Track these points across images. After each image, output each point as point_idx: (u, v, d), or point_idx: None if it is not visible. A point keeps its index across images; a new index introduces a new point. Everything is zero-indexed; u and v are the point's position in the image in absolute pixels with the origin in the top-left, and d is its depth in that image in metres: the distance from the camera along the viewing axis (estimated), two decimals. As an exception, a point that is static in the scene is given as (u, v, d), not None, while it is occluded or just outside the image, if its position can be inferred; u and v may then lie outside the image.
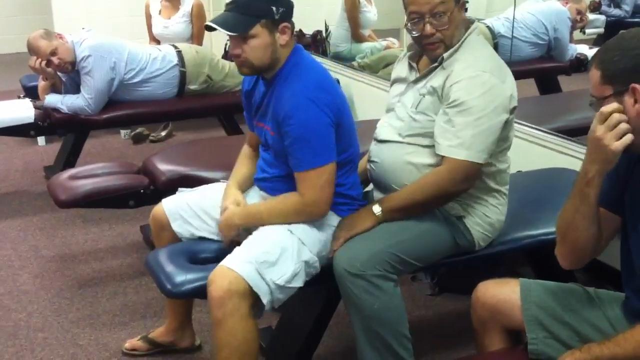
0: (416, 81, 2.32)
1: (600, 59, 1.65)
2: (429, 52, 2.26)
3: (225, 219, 2.31)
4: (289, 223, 2.23)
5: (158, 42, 5.09)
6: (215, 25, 2.16)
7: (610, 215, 1.85)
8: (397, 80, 2.44)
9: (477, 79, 2.15)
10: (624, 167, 1.77)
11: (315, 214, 2.24)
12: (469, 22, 2.27)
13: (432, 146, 2.23)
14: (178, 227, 2.44)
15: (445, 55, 2.22)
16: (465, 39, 2.23)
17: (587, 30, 4.16)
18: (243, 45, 2.19)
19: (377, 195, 2.41)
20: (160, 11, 5.08)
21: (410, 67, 2.36)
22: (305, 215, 2.23)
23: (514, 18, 3.74)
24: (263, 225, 2.25)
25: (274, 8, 2.19)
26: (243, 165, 2.52)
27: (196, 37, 5.05)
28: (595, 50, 4.00)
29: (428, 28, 2.18)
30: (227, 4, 2.23)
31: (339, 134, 2.25)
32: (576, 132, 3.09)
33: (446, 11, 2.17)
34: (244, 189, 2.45)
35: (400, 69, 2.43)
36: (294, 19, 2.27)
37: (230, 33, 2.17)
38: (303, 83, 2.21)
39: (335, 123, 2.22)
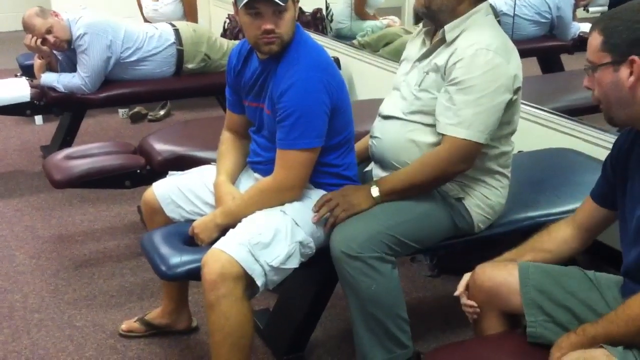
0: (421, 59, 2.29)
1: (605, 25, 1.62)
2: (415, 3, 2.26)
3: (203, 222, 2.24)
4: (270, 207, 2.19)
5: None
6: None
7: (602, 210, 1.87)
8: (406, 59, 2.40)
9: (481, 57, 2.11)
10: (621, 162, 1.76)
11: (288, 197, 2.21)
12: (477, 1, 2.22)
13: (434, 125, 2.20)
14: (170, 211, 2.41)
15: (447, 28, 2.19)
16: (470, 16, 2.19)
17: (591, 9, 4.11)
18: (278, 20, 2.12)
19: (376, 172, 2.38)
20: None
21: (423, 44, 2.32)
22: (280, 198, 2.20)
23: (516, -4, 3.69)
24: (245, 218, 2.19)
25: None
26: (228, 156, 2.43)
27: (189, 15, 5.01)
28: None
29: None
30: None
31: (336, 116, 2.21)
32: (578, 112, 3.05)
33: None
34: (234, 179, 2.41)
35: (412, 47, 2.39)
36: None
37: (281, 3, 2.08)
38: (305, 62, 2.17)
39: (332, 106, 2.18)
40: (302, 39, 2.23)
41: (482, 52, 2.11)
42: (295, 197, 2.22)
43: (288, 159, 2.18)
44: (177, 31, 4.23)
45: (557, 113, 3.06)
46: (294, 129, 2.14)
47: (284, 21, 2.13)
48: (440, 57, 2.20)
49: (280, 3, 2.09)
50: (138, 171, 3.13)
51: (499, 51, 2.13)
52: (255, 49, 2.26)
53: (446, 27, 2.20)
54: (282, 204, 2.21)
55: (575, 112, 3.05)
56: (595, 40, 1.63)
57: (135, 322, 2.72)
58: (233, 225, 2.18)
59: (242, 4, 2.11)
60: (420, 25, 2.39)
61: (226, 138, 2.48)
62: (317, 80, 2.15)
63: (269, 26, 2.12)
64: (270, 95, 2.21)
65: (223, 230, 2.20)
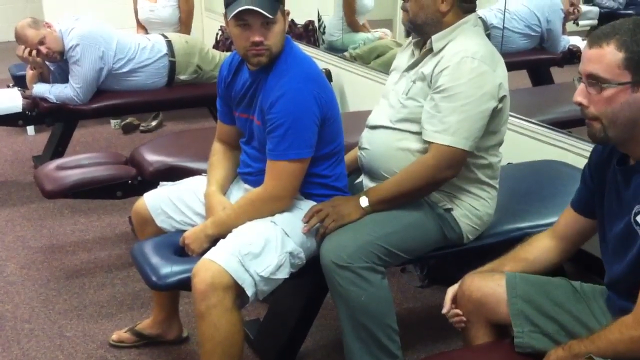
0: (409, 69, 2.32)
1: (626, 40, 1.55)
2: (402, 17, 2.31)
3: (194, 232, 2.25)
4: (260, 217, 2.21)
5: (145, 30, 5.05)
6: (253, 7, 2.08)
7: (584, 220, 1.88)
8: (395, 69, 2.44)
9: (466, 65, 2.14)
10: (599, 173, 1.77)
11: (278, 207, 2.23)
12: (465, 12, 2.25)
13: (421, 132, 2.22)
14: (161, 222, 2.42)
15: (434, 38, 2.22)
16: (458, 27, 2.22)
17: (580, 22, 4.14)
18: (267, 32, 2.14)
19: (366, 183, 2.40)
20: None
21: (412, 55, 2.35)
22: (270, 208, 2.22)
23: (505, 9, 3.71)
24: (236, 228, 2.20)
25: None
26: (219, 167, 2.44)
27: (184, 23, 5.02)
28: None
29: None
30: None
31: (326, 127, 2.23)
32: (567, 124, 3.07)
33: None
34: (225, 189, 2.42)
35: (401, 58, 2.42)
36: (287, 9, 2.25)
37: (269, 15, 2.10)
38: (294, 73, 2.19)
39: (322, 117, 2.20)
40: (292, 51, 2.25)
41: (467, 60, 2.14)
42: (285, 207, 2.23)
43: (278, 169, 2.19)
44: (169, 42, 4.24)
45: (547, 125, 3.09)
46: (284, 140, 2.15)
47: (272, 33, 2.15)
48: (427, 66, 2.23)
49: (268, 15, 2.10)
50: (129, 182, 3.13)
51: (484, 59, 2.16)
52: (244, 61, 2.28)
53: (433, 37, 2.23)
54: (273, 214, 2.22)
55: (564, 125, 3.07)
56: (614, 55, 1.55)
57: (125, 332, 2.72)
58: (223, 236, 2.19)
59: (231, 16, 2.13)
60: (411, 37, 2.42)
61: (217, 149, 2.50)
62: (306, 91, 2.16)
63: (257, 38, 2.14)
64: (260, 107, 2.23)
65: (214, 241, 2.21)
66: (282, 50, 2.22)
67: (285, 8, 2.22)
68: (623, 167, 1.69)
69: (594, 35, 1.60)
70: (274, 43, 2.17)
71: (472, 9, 2.28)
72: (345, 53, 4.77)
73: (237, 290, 2.08)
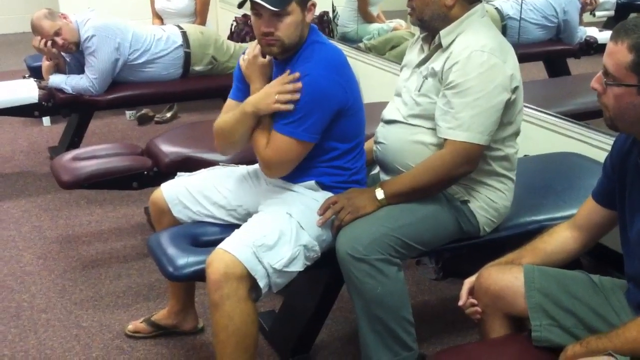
0: (419, 64, 2.31)
1: (636, 42, 1.54)
2: (409, 16, 2.31)
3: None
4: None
5: (161, 19, 5.06)
6: (258, 0, 2.10)
7: (605, 211, 1.86)
8: (406, 65, 2.43)
9: (475, 59, 2.13)
10: (621, 165, 1.75)
11: (266, 174, 2.29)
12: (470, 3, 2.23)
13: (435, 128, 2.21)
14: (178, 212, 2.42)
15: (442, 33, 2.21)
16: (465, 20, 2.21)
17: (597, 13, 4.10)
18: (277, 23, 2.14)
19: (383, 177, 2.40)
20: None
21: (421, 50, 2.33)
22: (261, 167, 2.27)
23: (522, 0, 3.69)
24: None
25: None
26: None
27: (199, 14, 5.02)
28: (605, 33, 3.96)
29: None
30: None
31: (347, 118, 2.22)
32: (584, 116, 3.05)
33: None
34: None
35: (411, 53, 2.41)
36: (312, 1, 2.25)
37: (272, 8, 2.11)
38: (317, 59, 2.19)
39: (341, 107, 2.19)
40: (317, 40, 2.25)
41: (476, 54, 2.13)
42: (274, 176, 2.29)
43: (275, 140, 2.19)
44: (184, 33, 4.24)
45: (563, 117, 3.07)
46: (289, 116, 2.16)
47: (283, 25, 2.15)
48: (437, 62, 2.22)
49: (270, 7, 2.11)
50: (145, 173, 3.14)
51: (494, 52, 2.14)
52: None
53: (441, 32, 2.22)
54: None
55: (581, 117, 3.05)
56: (624, 56, 1.55)
57: (141, 322, 2.74)
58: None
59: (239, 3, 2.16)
60: (419, 32, 2.41)
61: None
62: (325, 78, 2.16)
63: (264, 29, 2.16)
64: None
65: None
66: (300, 41, 2.21)
67: (312, 1, 2.22)
68: None
69: (615, 29, 1.60)
70: (285, 35, 2.16)
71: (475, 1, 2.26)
72: (360, 44, 4.76)
73: (251, 281, 2.08)
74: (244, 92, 2.38)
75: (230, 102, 2.45)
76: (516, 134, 2.31)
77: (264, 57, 2.27)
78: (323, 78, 2.16)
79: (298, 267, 2.15)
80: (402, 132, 2.31)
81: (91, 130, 4.53)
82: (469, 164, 2.17)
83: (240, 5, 2.23)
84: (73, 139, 4.30)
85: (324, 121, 2.18)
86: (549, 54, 4.13)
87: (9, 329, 2.79)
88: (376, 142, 2.42)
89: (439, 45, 2.24)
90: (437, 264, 3.09)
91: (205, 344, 2.70)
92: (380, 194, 2.21)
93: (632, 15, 4.02)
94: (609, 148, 2.63)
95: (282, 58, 2.25)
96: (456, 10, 2.22)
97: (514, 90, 2.19)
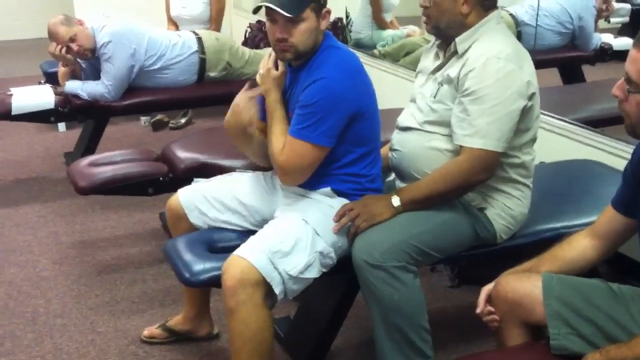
0: (435, 71, 2.32)
1: None
2: (425, 25, 2.31)
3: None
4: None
5: (176, 26, 5.07)
6: (272, 6, 2.11)
7: (623, 218, 1.85)
8: (421, 71, 2.43)
9: (491, 66, 2.12)
10: None
11: (284, 181, 2.29)
12: (486, 10, 2.24)
13: (451, 135, 2.21)
14: (194, 218, 2.43)
15: (458, 40, 2.22)
16: (481, 26, 2.21)
17: (612, 19, 4.09)
18: (292, 29, 2.16)
19: (399, 184, 2.39)
20: None
21: (436, 57, 2.33)
22: (279, 174, 2.27)
23: (538, 6, 3.68)
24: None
25: None
26: None
27: (214, 21, 5.03)
28: (621, 40, 3.94)
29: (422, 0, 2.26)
30: None
31: (362, 123, 2.22)
32: (600, 123, 3.04)
33: None
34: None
35: (426, 60, 2.41)
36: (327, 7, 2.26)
37: (287, 15, 2.12)
38: (332, 63, 2.20)
39: (355, 111, 2.19)
40: (332, 45, 2.26)
41: (492, 60, 2.13)
42: (291, 183, 2.28)
43: (291, 145, 2.19)
44: (199, 39, 4.26)
45: (579, 124, 3.06)
46: (304, 120, 2.16)
47: (298, 31, 2.16)
48: (452, 69, 2.22)
49: (285, 14, 2.12)
50: (161, 178, 3.15)
51: (510, 58, 2.14)
52: None
53: (457, 39, 2.22)
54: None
55: (596, 123, 3.04)
56: None
57: (157, 328, 2.74)
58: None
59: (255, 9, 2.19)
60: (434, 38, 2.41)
61: None
62: (340, 81, 2.16)
63: (278, 35, 2.17)
64: (296, 99, 2.23)
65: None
66: (314, 47, 2.22)
67: (326, 7, 2.22)
68: None
69: (638, 36, 1.59)
70: (299, 41, 2.17)
71: (494, 5, 2.26)
72: (374, 50, 4.76)
73: (267, 287, 2.08)
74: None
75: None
76: (533, 140, 2.30)
77: (276, 66, 2.28)
78: (338, 81, 2.17)
79: (314, 273, 2.15)
80: (417, 139, 2.31)
81: (106, 135, 4.55)
82: (486, 171, 2.17)
83: (255, 11, 2.24)
84: (89, 145, 4.32)
85: (339, 125, 2.18)
86: (564, 60, 4.12)
87: (25, 334, 2.80)
88: (391, 149, 2.42)
89: (455, 52, 2.24)
90: (453, 271, 3.08)
91: (220, 349, 2.70)
92: (396, 201, 2.21)
93: (648, 21, 4.00)
94: (625, 155, 2.65)
95: (297, 64, 2.26)
96: (472, 18, 2.22)
97: (531, 97, 2.18)
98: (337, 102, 2.16)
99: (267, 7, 2.14)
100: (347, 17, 5.13)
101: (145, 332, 2.75)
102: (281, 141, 2.22)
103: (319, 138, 2.17)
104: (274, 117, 2.25)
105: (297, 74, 2.26)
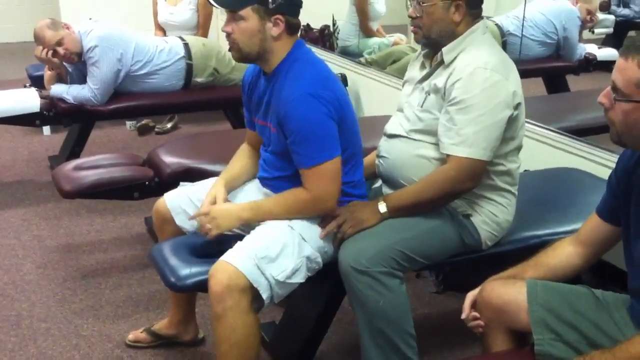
0: (422, 80, 2.33)
1: None
2: (414, 35, 2.34)
3: (226, 210, 2.27)
4: (298, 218, 2.21)
5: (163, 31, 5.07)
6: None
7: (607, 226, 1.88)
8: (408, 81, 2.45)
9: (478, 75, 2.14)
10: (625, 180, 1.77)
11: (324, 210, 2.22)
12: (474, 19, 2.26)
13: (437, 143, 2.23)
14: (181, 221, 2.43)
15: (444, 50, 2.24)
16: (467, 36, 2.23)
17: (596, 30, 4.14)
18: (233, 24, 2.18)
19: (386, 190, 2.41)
20: None
21: (423, 67, 2.35)
22: (314, 211, 2.22)
23: (524, 17, 3.72)
24: (271, 219, 2.23)
25: None
26: (237, 162, 2.50)
27: (202, 27, 5.03)
28: (605, 50, 3.98)
29: (410, 9, 2.29)
30: None
31: (342, 130, 2.22)
32: (583, 132, 3.07)
33: (425, 0, 2.22)
34: (233, 186, 2.44)
35: (413, 70, 2.43)
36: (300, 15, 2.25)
37: (218, 7, 2.18)
38: (303, 78, 2.19)
39: (337, 118, 2.19)
40: (301, 56, 2.25)
41: (479, 70, 2.15)
42: (333, 206, 2.22)
43: (317, 174, 2.17)
44: (186, 45, 4.26)
45: (563, 133, 3.09)
46: (312, 146, 2.15)
47: (238, 28, 2.18)
48: (439, 79, 2.24)
49: (216, 5, 2.17)
50: (147, 183, 3.15)
51: (496, 68, 2.16)
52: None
53: (444, 49, 2.24)
54: (320, 214, 2.23)
55: (580, 132, 3.07)
56: (634, 73, 1.57)
57: (142, 332, 2.73)
58: (252, 223, 2.23)
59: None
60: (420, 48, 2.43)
61: (242, 147, 2.55)
62: (314, 94, 2.15)
63: (226, 28, 2.20)
64: (275, 113, 2.22)
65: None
66: (264, 51, 2.20)
67: (279, 14, 2.17)
68: None
69: (625, 45, 1.61)
70: (240, 39, 2.18)
71: (480, 15, 2.28)
72: (361, 58, 4.79)
73: (254, 292, 2.09)
74: (252, 122, 2.45)
75: (247, 130, 2.53)
76: (518, 149, 2.33)
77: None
78: (313, 95, 2.14)
79: (300, 278, 2.16)
80: (405, 147, 2.32)
81: (91, 140, 4.52)
82: (473, 179, 2.19)
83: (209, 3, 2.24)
84: (74, 149, 4.30)
85: (335, 130, 2.17)
86: (549, 70, 4.16)
87: (8, 338, 2.78)
88: (379, 156, 2.43)
89: (441, 62, 2.26)
90: (438, 277, 3.10)
91: (205, 354, 2.70)
92: (382, 207, 2.22)
93: (631, 32, 4.05)
94: (609, 164, 2.69)
95: (266, 70, 2.26)
96: (462, 27, 2.24)
97: (517, 106, 2.21)
98: (323, 114, 2.15)
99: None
100: (334, 24, 5.16)
101: (130, 337, 2.74)
102: (292, 192, 2.23)
103: (337, 149, 2.17)
104: (260, 213, 2.24)
105: (271, 82, 2.26)
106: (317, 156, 2.16)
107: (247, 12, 2.15)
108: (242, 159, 2.51)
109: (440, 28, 2.24)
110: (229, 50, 2.26)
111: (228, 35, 2.20)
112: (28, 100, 4.12)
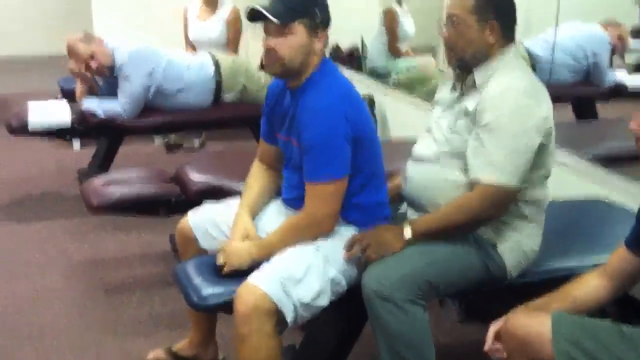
0: (452, 103, 2.32)
1: None
2: (447, 58, 2.30)
3: (237, 248, 2.27)
4: (305, 241, 2.21)
5: (194, 48, 5.11)
6: (260, 8, 2.12)
7: (636, 259, 1.85)
8: (438, 102, 2.43)
9: (510, 99, 2.13)
10: None
11: (322, 229, 2.22)
12: (508, 41, 2.24)
13: (465, 168, 2.21)
14: (204, 242, 2.44)
15: (476, 73, 2.22)
16: (500, 60, 2.22)
17: (627, 56, 4.09)
18: (280, 38, 2.16)
19: (410, 214, 2.39)
20: (198, 15, 5.12)
21: (453, 88, 2.34)
22: (313, 231, 2.21)
23: (555, 42, 3.69)
24: (278, 251, 2.21)
25: (317, 11, 2.18)
26: (255, 185, 2.47)
27: (231, 43, 5.06)
28: (635, 77, 3.92)
29: (444, 30, 2.25)
30: None
31: (361, 148, 2.22)
32: (611, 161, 3.03)
33: (459, 21, 2.20)
34: (257, 211, 2.43)
35: (443, 91, 2.42)
36: (330, 34, 2.26)
37: (274, 19, 2.13)
38: (325, 93, 2.19)
39: (354, 137, 2.19)
40: (328, 72, 2.25)
41: (511, 94, 2.13)
42: (329, 229, 2.22)
43: (315, 192, 2.19)
44: (216, 62, 4.29)
45: (591, 161, 3.05)
46: (317, 161, 2.16)
47: (285, 42, 2.16)
48: (470, 102, 2.22)
49: (272, 18, 2.11)
50: (173, 200, 3.16)
51: (527, 93, 2.15)
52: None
53: (475, 72, 2.23)
54: (317, 237, 2.21)
55: (608, 161, 3.03)
56: None
57: (162, 351, 2.73)
58: (266, 259, 2.20)
59: (245, 16, 2.21)
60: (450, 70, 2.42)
61: (255, 170, 2.53)
62: (334, 110, 2.16)
63: (268, 43, 2.18)
64: (297, 128, 2.23)
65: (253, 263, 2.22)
66: (304, 68, 2.21)
67: (325, 30, 2.21)
68: None
69: None
70: (287, 55, 2.17)
71: (513, 38, 2.26)
72: (389, 79, 4.79)
73: (278, 315, 2.08)
74: (271, 135, 2.45)
75: (262, 143, 2.53)
76: (546, 177, 2.30)
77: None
78: (335, 110, 2.15)
79: (324, 301, 2.15)
80: (432, 170, 2.31)
81: (119, 154, 4.57)
82: (499, 207, 2.17)
83: (249, 18, 2.21)
84: (103, 163, 4.35)
85: (348, 150, 2.17)
86: (577, 96, 4.12)
87: (30, 350, 2.80)
88: (405, 179, 2.42)
89: (473, 85, 2.25)
90: (461, 306, 3.06)
91: (224, 375, 2.70)
92: (408, 232, 2.20)
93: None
94: (638, 194, 2.64)
95: (294, 85, 2.25)
96: (495, 49, 2.22)
97: (547, 132, 2.18)
98: (338, 131, 2.15)
99: (253, 17, 2.16)
100: (362, 46, 5.17)
101: (150, 355, 2.73)
102: (284, 230, 2.24)
103: (340, 170, 2.17)
104: (267, 250, 2.23)
105: (296, 97, 2.26)
106: (319, 170, 2.16)
107: (296, 26, 2.16)
108: (258, 180, 2.49)
109: (474, 49, 2.22)
110: (261, 66, 2.27)
111: (269, 51, 2.18)
112: (60, 114, 4.16)
